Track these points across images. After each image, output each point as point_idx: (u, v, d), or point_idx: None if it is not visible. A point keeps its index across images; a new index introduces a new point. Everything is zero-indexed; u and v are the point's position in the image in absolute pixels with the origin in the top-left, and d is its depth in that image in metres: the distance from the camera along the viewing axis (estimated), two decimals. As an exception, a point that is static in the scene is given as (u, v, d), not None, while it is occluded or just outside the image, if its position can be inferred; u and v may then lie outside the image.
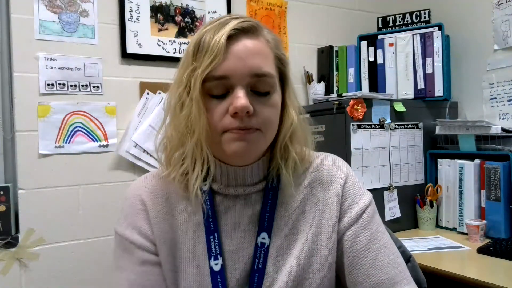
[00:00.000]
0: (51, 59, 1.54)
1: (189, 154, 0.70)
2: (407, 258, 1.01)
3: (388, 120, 1.82)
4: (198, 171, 0.70)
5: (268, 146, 0.74)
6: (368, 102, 1.77)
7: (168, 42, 1.75)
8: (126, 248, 0.74)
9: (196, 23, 1.83)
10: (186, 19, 1.80)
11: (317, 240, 0.74)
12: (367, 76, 2.09)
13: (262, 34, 0.71)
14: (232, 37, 0.67)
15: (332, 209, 0.76)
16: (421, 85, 1.95)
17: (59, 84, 1.56)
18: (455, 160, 1.81)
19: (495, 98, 1.88)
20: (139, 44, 1.70)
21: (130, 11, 1.68)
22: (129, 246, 0.74)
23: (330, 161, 0.81)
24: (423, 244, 1.61)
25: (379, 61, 2.06)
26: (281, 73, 0.74)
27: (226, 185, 0.74)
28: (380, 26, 2.13)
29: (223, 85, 0.67)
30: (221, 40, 0.66)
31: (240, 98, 0.65)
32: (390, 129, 1.83)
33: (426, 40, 1.94)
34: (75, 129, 1.58)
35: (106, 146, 1.64)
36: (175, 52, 1.77)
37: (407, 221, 1.87)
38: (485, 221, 1.65)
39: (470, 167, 1.74)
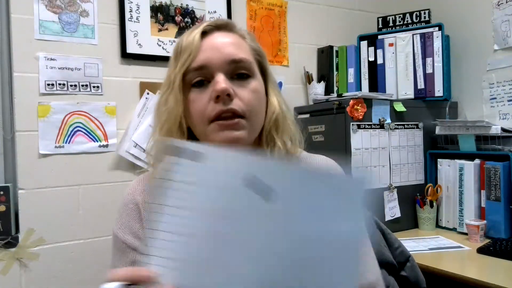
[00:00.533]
0: (51, 59, 1.54)
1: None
2: (406, 258, 1.01)
3: (388, 120, 1.82)
4: None
5: (256, 136, 0.74)
6: (368, 102, 1.77)
7: (168, 42, 1.75)
8: (119, 248, 0.76)
9: (196, 23, 1.83)
10: (186, 19, 1.80)
11: None
12: (367, 76, 2.09)
13: (236, 30, 0.75)
14: (206, 33, 0.72)
15: None
16: (421, 85, 1.95)
17: (59, 84, 1.56)
18: (455, 160, 1.81)
19: (495, 98, 1.88)
20: (139, 44, 1.70)
21: (130, 11, 1.68)
22: (121, 246, 0.76)
23: (324, 163, 0.80)
24: (423, 244, 1.61)
25: (379, 61, 2.06)
26: (260, 65, 0.76)
27: None
28: (380, 26, 2.13)
29: (203, 75, 0.70)
30: (195, 36, 0.71)
31: (220, 82, 0.68)
32: (390, 129, 1.83)
33: (426, 40, 1.94)
34: (75, 129, 1.58)
35: (106, 146, 1.64)
36: (175, 52, 1.77)
37: (407, 221, 1.87)
38: (485, 221, 1.65)
39: (470, 167, 1.74)
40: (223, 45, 0.71)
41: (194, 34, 0.72)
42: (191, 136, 0.74)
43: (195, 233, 0.48)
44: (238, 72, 0.71)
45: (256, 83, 0.73)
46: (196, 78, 0.70)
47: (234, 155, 0.50)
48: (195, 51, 0.70)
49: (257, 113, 0.72)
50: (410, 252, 1.08)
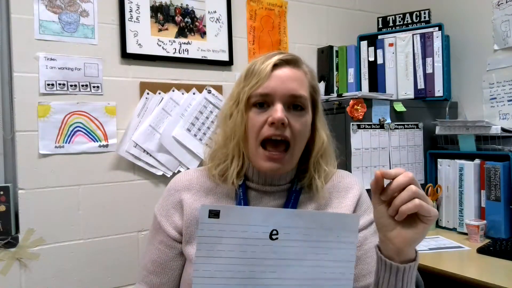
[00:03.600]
0: (51, 59, 1.54)
1: (230, 152, 0.86)
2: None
3: (388, 120, 1.82)
4: (235, 167, 0.85)
5: (294, 165, 0.87)
6: (368, 102, 1.77)
7: (168, 42, 1.75)
8: (155, 226, 0.92)
9: (196, 23, 1.83)
10: (186, 19, 1.80)
11: None
12: (367, 76, 2.09)
13: (302, 66, 0.87)
14: (276, 65, 0.84)
15: (347, 210, 0.88)
16: (421, 85, 1.95)
17: (59, 84, 1.56)
18: (455, 160, 1.81)
19: (495, 98, 1.88)
20: (139, 44, 1.70)
21: (130, 11, 1.68)
22: (156, 225, 0.91)
23: (348, 176, 0.95)
24: (423, 244, 1.61)
25: (379, 61, 2.06)
26: (313, 99, 0.89)
27: (257, 183, 0.89)
28: (380, 26, 2.13)
29: (265, 100, 0.82)
30: (267, 66, 0.83)
31: (278, 111, 0.80)
32: (390, 129, 1.83)
33: (426, 40, 1.94)
34: (75, 129, 1.58)
35: (106, 146, 1.64)
36: (175, 52, 1.77)
37: (407, 221, 1.87)
38: (485, 221, 1.65)
39: (470, 167, 1.74)
40: (288, 79, 0.83)
41: (267, 63, 0.83)
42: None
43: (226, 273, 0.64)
44: (294, 103, 0.83)
45: (306, 117, 0.85)
46: (259, 100, 0.82)
47: (247, 210, 0.67)
48: (264, 79, 0.82)
49: (301, 143, 0.85)
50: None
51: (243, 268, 0.63)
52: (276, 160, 0.81)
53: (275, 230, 0.63)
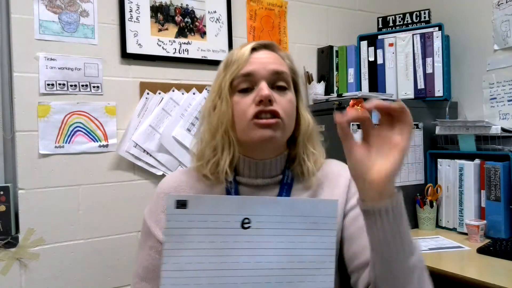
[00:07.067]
0: (51, 59, 1.54)
1: (219, 143, 0.83)
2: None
3: (388, 120, 1.82)
4: (226, 156, 0.83)
5: (285, 140, 0.86)
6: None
7: (168, 42, 1.75)
8: (145, 231, 0.90)
9: (196, 23, 1.83)
10: (186, 19, 1.80)
11: None
12: (367, 76, 2.09)
13: (278, 51, 0.88)
14: (255, 49, 0.85)
15: (338, 198, 0.86)
16: (421, 85, 1.95)
17: (59, 84, 1.56)
18: (455, 160, 1.81)
19: (495, 98, 1.88)
20: (139, 44, 1.70)
21: (130, 11, 1.68)
22: (146, 230, 0.90)
23: (337, 164, 0.94)
24: (423, 244, 1.61)
25: (379, 61, 2.06)
26: (294, 82, 0.89)
27: (248, 176, 0.87)
28: (380, 26, 2.13)
29: (249, 81, 0.82)
30: (246, 51, 0.83)
31: (264, 89, 0.79)
32: (390, 129, 1.83)
33: (426, 40, 1.94)
34: (75, 129, 1.58)
35: (106, 146, 1.64)
36: (175, 52, 1.77)
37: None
38: (485, 221, 1.65)
39: (470, 167, 1.74)
40: (268, 60, 0.84)
41: (244, 49, 0.84)
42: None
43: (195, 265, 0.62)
44: (278, 83, 0.83)
45: (291, 96, 0.85)
46: (242, 84, 0.82)
47: (217, 199, 0.64)
48: (244, 63, 0.82)
49: (290, 121, 0.83)
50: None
51: (214, 259, 0.61)
52: (269, 126, 0.79)
53: (247, 218, 0.61)
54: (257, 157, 0.86)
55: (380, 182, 0.63)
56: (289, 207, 0.63)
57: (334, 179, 0.89)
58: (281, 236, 0.62)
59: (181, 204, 0.60)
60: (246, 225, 0.61)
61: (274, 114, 0.79)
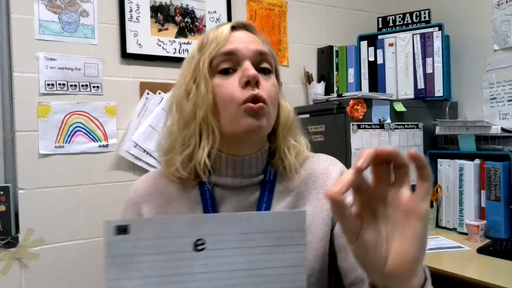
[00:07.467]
0: (51, 59, 1.54)
1: (196, 133, 0.72)
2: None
3: (388, 120, 1.82)
4: (205, 145, 0.72)
5: (269, 130, 0.76)
6: (368, 102, 1.77)
7: (168, 42, 1.75)
8: None
9: (196, 23, 1.83)
10: (186, 19, 1.80)
11: (309, 232, 0.75)
12: (367, 76, 2.09)
13: (257, 34, 0.79)
14: (234, 29, 0.75)
15: (326, 203, 0.75)
16: (421, 85, 1.95)
17: (59, 84, 1.56)
18: (455, 160, 1.81)
19: (495, 98, 1.88)
20: (139, 44, 1.70)
21: (130, 11, 1.68)
22: None
23: (325, 160, 0.83)
24: (423, 244, 1.61)
25: (379, 61, 2.06)
26: (275, 67, 0.80)
27: (226, 175, 0.76)
28: (380, 26, 2.13)
29: (231, 61, 0.71)
30: (225, 29, 0.73)
31: (250, 68, 0.69)
32: (390, 129, 1.83)
33: (426, 40, 1.94)
34: (75, 129, 1.58)
35: (106, 146, 1.64)
36: (175, 52, 1.77)
37: (407, 221, 1.86)
38: (485, 221, 1.64)
39: (470, 167, 1.74)
40: (250, 40, 0.74)
41: (222, 28, 0.74)
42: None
43: None
44: (262, 64, 0.73)
45: (275, 80, 0.76)
46: (223, 64, 0.71)
47: (164, 221, 0.56)
48: (224, 41, 0.72)
49: (274, 109, 0.74)
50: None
51: (166, 287, 0.55)
52: (259, 114, 0.69)
53: (201, 239, 0.54)
54: (235, 153, 0.75)
55: (405, 276, 0.45)
56: (249, 223, 0.56)
57: (321, 179, 0.79)
58: (242, 256, 0.55)
59: (122, 230, 0.54)
60: (200, 247, 0.54)
61: (258, 100, 0.69)
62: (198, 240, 0.54)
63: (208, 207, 0.75)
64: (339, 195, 0.43)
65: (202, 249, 0.54)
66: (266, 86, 0.72)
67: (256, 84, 0.70)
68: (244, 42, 0.73)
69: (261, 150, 0.77)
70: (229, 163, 0.75)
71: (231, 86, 0.70)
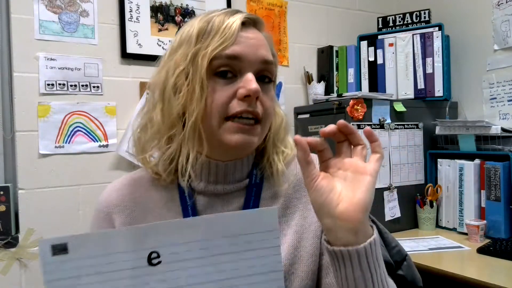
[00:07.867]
0: (51, 59, 1.54)
1: (182, 137, 0.66)
2: (403, 257, 1.01)
3: (388, 120, 1.82)
4: (190, 150, 0.65)
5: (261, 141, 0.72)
6: (368, 102, 1.77)
7: (168, 42, 1.75)
8: None
9: (196, 23, 1.83)
10: (186, 19, 1.80)
11: (300, 246, 0.69)
12: (367, 76, 2.09)
13: (264, 30, 0.72)
14: (244, 25, 0.67)
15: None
16: (421, 85, 1.95)
17: (59, 84, 1.56)
18: (455, 160, 1.81)
19: (495, 98, 1.88)
20: (139, 44, 1.70)
21: (130, 11, 1.68)
22: None
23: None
24: (423, 244, 1.61)
25: (379, 61, 2.06)
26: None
27: (207, 181, 0.70)
28: (380, 26, 2.13)
29: (232, 65, 0.64)
30: (234, 24, 0.65)
31: (252, 81, 0.63)
32: (390, 129, 1.83)
33: (426, 40, 1.94)
34: (75, 129, 1.59)
35: (106, 146, 1.64)
36: (175, 52, 1.77)
37: (407, 221, 1.87)
38: (485, 221, 1.65)
39: (470, 167, 1.74)
40: (258, 44, 0.67)
41: (231, 20, 0.65)
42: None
43: None
44: (264, 73, 0.67)
45: (273, 91, 0.71)
46: (222, 67, 0.64)
47: (108, 235, 0.50)
48: (232, 39, 0.64)
49: (270, 118, 0.69)
50: (410, 252, 1.08)
51: None
52: (247, 132, 0.64)
53: (155, 252, 0.48)
54: (218, 158, 0.69)
55: (354, 218, 0.51)
56: (210, 228, 0.49)
57: None
58: (206, 267, 0.49)
59: (60, 249, 0.48)
60: (154, 261, 0.48)
61: (256, 117, 0.65)
62: (152, 253, 0.48)
63: (189, 217, 0.68)
64: (306, 140, 0.53)
65: (157, 263, 0.48)
66: (264, 101, 0.66)
67: (257, 99, 0.64)
68: (251, 46, 0.65)
69: (248, 156, 0.71)
70: (212, 168, 0.69)
71: (227, 94, 0.64)
